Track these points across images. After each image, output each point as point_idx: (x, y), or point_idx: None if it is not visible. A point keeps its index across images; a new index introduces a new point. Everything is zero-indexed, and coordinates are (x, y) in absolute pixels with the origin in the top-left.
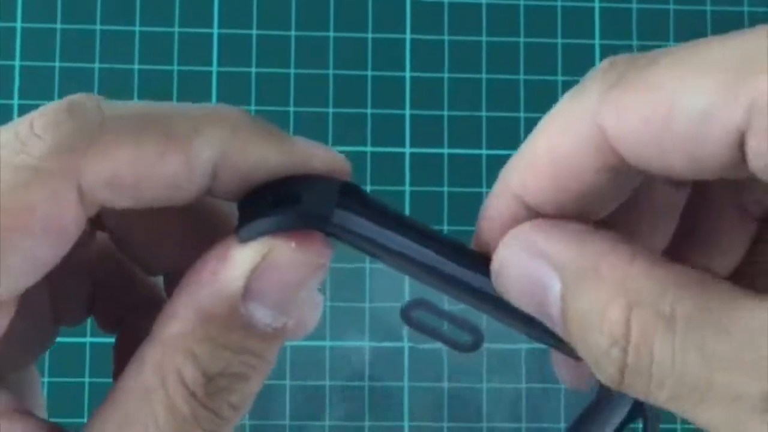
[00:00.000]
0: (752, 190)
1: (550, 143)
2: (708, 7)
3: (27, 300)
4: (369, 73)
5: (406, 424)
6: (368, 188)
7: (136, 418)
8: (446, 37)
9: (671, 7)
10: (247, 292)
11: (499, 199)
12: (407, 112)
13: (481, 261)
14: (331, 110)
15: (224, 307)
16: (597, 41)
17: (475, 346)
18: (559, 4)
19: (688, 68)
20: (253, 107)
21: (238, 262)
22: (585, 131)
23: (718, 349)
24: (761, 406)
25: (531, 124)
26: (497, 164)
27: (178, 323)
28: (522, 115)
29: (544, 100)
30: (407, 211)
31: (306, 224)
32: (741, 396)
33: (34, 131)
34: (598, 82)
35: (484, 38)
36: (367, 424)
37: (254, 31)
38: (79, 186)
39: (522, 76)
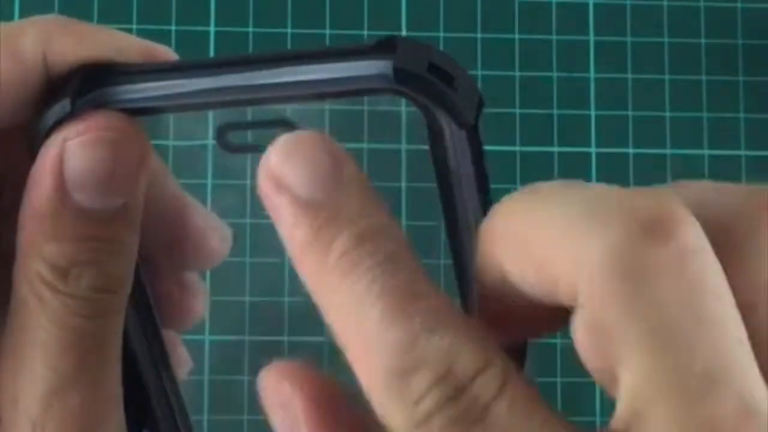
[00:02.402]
0: None
1: None
2: (702, 3)
3: None
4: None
5: None
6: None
7: (24, 325)
8: (441, 34)
9: (665, 3)
10: (65, 183)
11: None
12: (403, 109)
13: (263, 59)
14: (327, 108)
15: (49, 204)
16: (591, 37)
17: None
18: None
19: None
20: None
21: (45, 157)
22: None
23: None
24: None
25: (526, 121)
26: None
27: (23, 232)
28: (518, 111)
29: (539, 96)
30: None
31: (80, 109)
32: None
33: None
34: None
35: (479, 35)
36: None
37: (251, 29)
38: None
39: (517, 73)
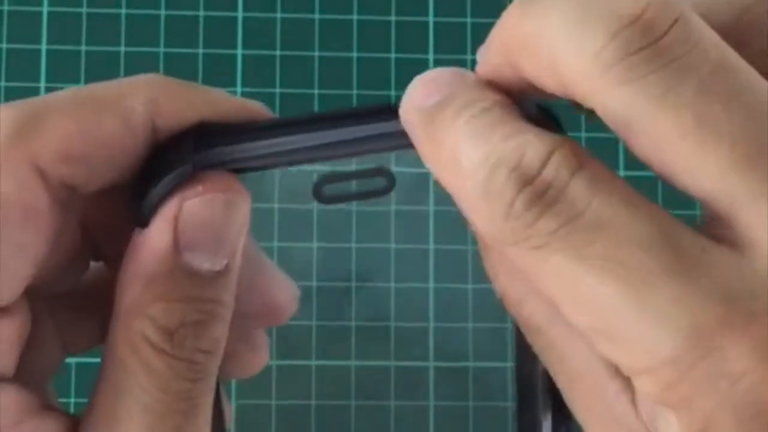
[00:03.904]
0: None
1: None
2: None
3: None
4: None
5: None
6: None
7: (123, 387)
8: (468, 57)
9: None
10: (178, 244)
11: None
12: None
13: (363, 114)
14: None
15: (162, 264)
16: None
17: (390, 186)
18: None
19: None
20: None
21: (162, 218)
22: None
23: None
24: None
25: None
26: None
27: (129, 293)
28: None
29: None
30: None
31: (198, 169)
32: None
33: None
34: None
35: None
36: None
37: (278, 52)
38: (37, 168)
39: None
